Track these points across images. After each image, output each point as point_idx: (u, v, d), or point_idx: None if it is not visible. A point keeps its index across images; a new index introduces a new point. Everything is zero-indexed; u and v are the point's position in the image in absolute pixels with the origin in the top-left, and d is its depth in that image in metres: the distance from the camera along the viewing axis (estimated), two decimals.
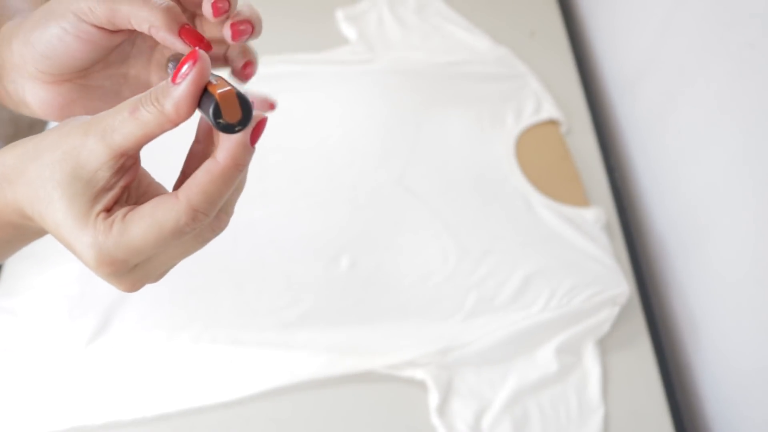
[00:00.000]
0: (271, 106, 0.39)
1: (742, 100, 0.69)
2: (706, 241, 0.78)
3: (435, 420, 0.71)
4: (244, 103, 0.29)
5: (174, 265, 0.35)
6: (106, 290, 0.78)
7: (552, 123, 0.99)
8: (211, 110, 0.29)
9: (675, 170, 0.85)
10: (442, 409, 0.72)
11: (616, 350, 0.78)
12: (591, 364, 0.76)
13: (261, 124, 0.32)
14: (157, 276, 0.35)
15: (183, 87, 0.30)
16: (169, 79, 0.30)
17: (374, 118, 0.98)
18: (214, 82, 0.30)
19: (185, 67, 0.30)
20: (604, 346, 0.78)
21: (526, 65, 1.05)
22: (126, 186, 0.33)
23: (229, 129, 0.29)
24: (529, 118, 0.98)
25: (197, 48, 0.30)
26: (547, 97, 1.00)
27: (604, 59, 1.08)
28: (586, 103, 1.02)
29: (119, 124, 0.31)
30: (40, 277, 0.78)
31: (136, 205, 0.33)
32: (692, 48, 0.79)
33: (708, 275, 0.77)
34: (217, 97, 0.29)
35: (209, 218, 0.32)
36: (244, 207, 0.80)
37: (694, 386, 0.81)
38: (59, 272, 0.79)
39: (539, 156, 0.95)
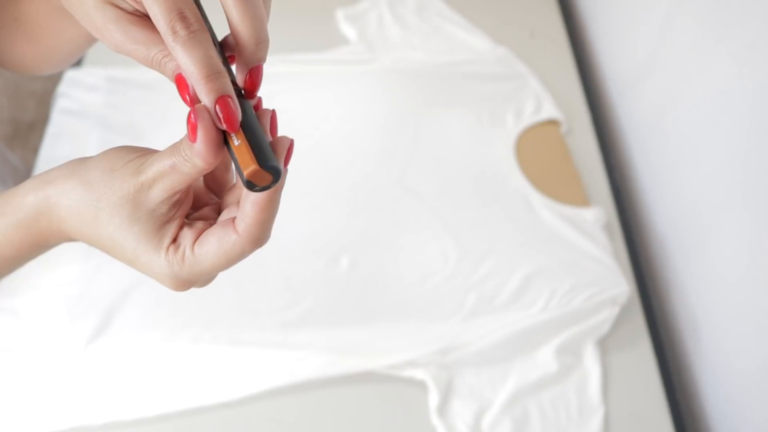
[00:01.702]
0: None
1: (742, 100, 0.69)
2: (706, 240, 0.78)
3: (435, 420, 0.71)
4: (272, 169, 0.32)
5: None
6: (106, 291, 0.78)
7: (552, 123, 0.99)
8: (245, 183, 0.31)
9: (675, 170, 0.85)
10: (442, 409, 0.72)
11: (616, 350, 0.78)
12: (591, 364, 0.76)
13: (290, 149, 0.35)
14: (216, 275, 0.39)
15: (200, 147, 0.32)
16: (187, 135, 0.32)
17: (374, 118, 0.98)
18: (236, 142, 0.32)
19: (191, 119, 0.32)
20: (604, 346, 0.78)
21: (526, 65, 1.05)
22: (184, 216, 0.37)
23: (263, 189, 0.32)
24: (529, 118, 0.98)
25: (195, 106, 0.32)
26: (547, 97, 1.00)
27: (604, 59, 1.08)
28: (586, 103, 1.02)
29: (165, 174, 0.34)
30: (40, 277, 0.79)
31: (195, 214, 0.37)
32: (692, 48, 0.79)
33: (708, 275, 0.77)
34: (246, 176, 0.31)
35: (267, 239, 0.36)
36: None
37: (694, 386, 0.81)
38: (60, 273, 0.79)
39: (539, 156, 0.95)
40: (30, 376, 0.72)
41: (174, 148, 0.34)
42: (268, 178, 0.32)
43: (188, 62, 0.31)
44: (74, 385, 0.72)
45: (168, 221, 0.36)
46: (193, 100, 0.32)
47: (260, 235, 0.35)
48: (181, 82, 0.33)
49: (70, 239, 0.39)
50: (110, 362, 0.73)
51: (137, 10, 0.35)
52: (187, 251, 0.36)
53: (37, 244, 0.40)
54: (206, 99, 0.31)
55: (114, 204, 0.35)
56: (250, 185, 0.31)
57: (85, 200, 0.36)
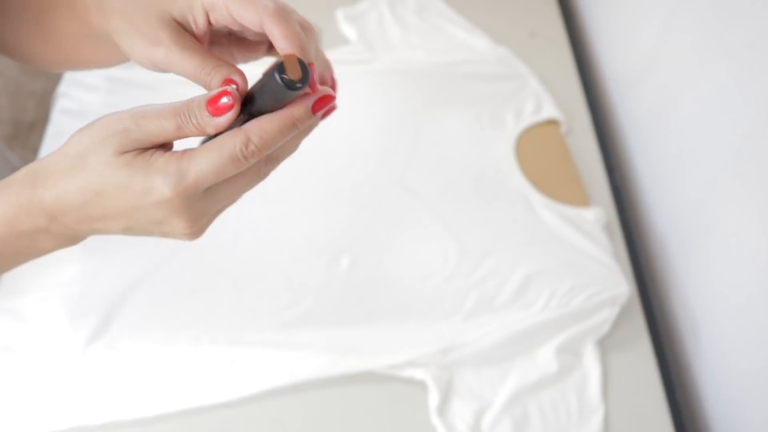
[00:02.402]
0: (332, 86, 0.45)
1: (742, 100, 0.69)
2: (706, 241, 0.78)
3: (435, 420, 0.71)
4: (303, 66, 0.35)
5: (228, 204, 0.41)
6: (106, 291, 0.78)
7: (552, 123, 0.99)
8: (276, 68, 0.35)
9: (675, 170, 0.85)
10: (442, 409, 0.72)
11: (616, 350, 0.78)
12: (591, 364, 0.76)
13: (327, 99, 0.38)
14: (215, 213, 0.40)
15: (224, 120, 0.37)
16: (207, 107, 0.37)
17: (374, 119, 0.98)
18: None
19: (224, 100, 0.37)
20: (604, 346, 0.78)
21: (526, 65, 1.05)
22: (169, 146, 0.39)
23: (291, 85, 0.35)
24: (529, 118, 0.98)
25: (231, 86, 0.38)
26: (547, 97, 1.00)
27: (604, 59, 1.08)
28: (586, 103, 1.02)
29: (164, 132, 0.37)
30: (41, 277, 0.79)
31: None
32: (692, 48, 0.79)
33: (708, 275, 0.77)
34: (281, 58, 0.35)
35: (260, 154, 0.37)
36: (244, 207, 0.81)
37: (694, 386, 0.81)
38: (60, 273, 0.79)
39: (539, 156, 0.95)
40: (30, 376, 0.72)
41: (179, 111, 0.37)
42: (298, 72, 0.35)
43: (292, 31, 0.39)
44: (74, 385, 0.72)
45: (156, 151, 0.38)
46: (234, 97, 0.37)
47: (254, 138, 0.36)
48: (227, 85, 0.38)
49: (47, 214, 0.39)
50: (110, 362, 0.73)
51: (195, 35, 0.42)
52: (181, 153, 0.37)
53: (17, 225, 0.40)
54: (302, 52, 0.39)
55: (100, 143, 0.37)
56: (281, 70, 0.35)
57: (72, 155, 0.38)
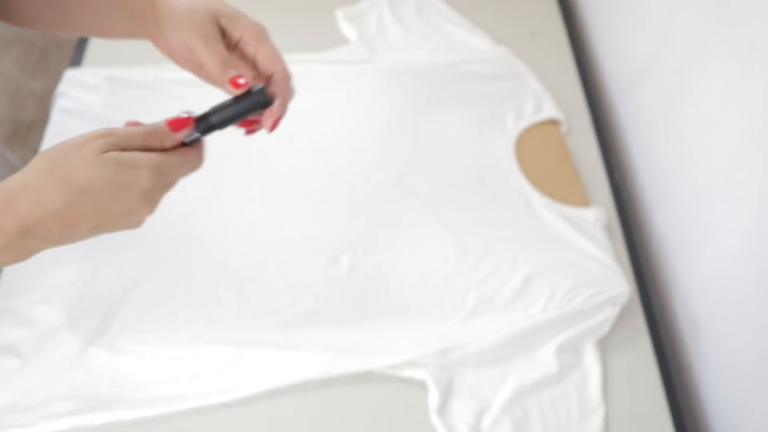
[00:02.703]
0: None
1: (743, 100, 0.69)
2: (706, 240, 0.78)
3: (435, 420, 0.71)
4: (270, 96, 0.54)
5: None
6: (106, 291, 0.78)
7: (552, 123, 0.99)
8: (262, 89, 0.53)
9: (675, 170, 0.85)
10: (442, 409, 0.72)
11: (616, 350, 0.78)
12: (591, 364, 0.76)
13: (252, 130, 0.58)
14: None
15: (179, 136, 0.49)
16: (169, 128, 0.48)
17: (374, 118, 0.98)
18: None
19: (181, 135, 0.49)
20: (604, 346, 0.78)
21: (526, 65, 1.05)
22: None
23: (268, 100, 0.53)
24: (529, 118, 0.98)
25: (191, 117, 0.50)
26: (547, 97, 1.00)
27: (604, 59, 1.08)
28: (586, 103, 1.02)
29: (133, 141, 0.46)
30: (40, 278, 0.78)
31: None
32: (692, 48, 0.79)
33: (708, 275, 0.77)
34: (264, 83, 0.55)
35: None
36: (244, 207, 0.82)
37: (694, 386, 0.81)
38: (59, 273, 0.79)
39: (539, 156, 0.95)
40: (29, 376, 0.72)
41: (147, 128, 0.47)
42: (272, 100, 0.54)
43: (287, 91, 0.57)
44: (74, 385, 0.72)
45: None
46: (186, 122, 0.49)
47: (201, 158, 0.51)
48: (235, 83, 0.52)
49: (20, 229, 0.42)
50: (110, 362, 0.73)
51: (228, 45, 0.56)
52: (154, 151, 0.47)
53: None
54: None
55: (82, 148, 0.42)
56: (264, 89, 0.53)
57: (48, 168, 0.42)
